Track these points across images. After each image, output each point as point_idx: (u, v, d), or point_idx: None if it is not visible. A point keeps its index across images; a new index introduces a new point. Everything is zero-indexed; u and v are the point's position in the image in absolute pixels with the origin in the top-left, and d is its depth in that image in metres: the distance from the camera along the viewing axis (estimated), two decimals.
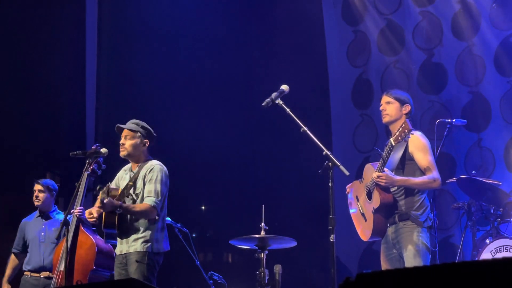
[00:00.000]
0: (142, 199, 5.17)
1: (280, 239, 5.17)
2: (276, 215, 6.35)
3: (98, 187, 5.08)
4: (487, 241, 5.95)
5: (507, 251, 5.79)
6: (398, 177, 4.86)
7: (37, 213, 6.65)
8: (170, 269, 6.59)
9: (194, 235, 8.31)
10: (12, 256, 6.67)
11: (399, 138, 4.57)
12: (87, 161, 5.40)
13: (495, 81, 7.76)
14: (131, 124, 5.38)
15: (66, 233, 5.26)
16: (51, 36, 8.68)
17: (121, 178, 5.43)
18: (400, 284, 1.86)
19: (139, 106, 8.74)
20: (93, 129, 9.19)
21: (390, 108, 5.08)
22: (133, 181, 5.19)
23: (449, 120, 6.03)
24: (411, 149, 4.95)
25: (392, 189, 4.94)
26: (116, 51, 9.35)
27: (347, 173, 4.33)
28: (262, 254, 5.09)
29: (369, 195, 5.00)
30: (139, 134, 5.33)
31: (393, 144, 4.64)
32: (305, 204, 8.24)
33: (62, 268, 5.30)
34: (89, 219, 5.18)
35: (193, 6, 9.09)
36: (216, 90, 9.06)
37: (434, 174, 4.87)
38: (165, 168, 5.32)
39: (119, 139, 5.35)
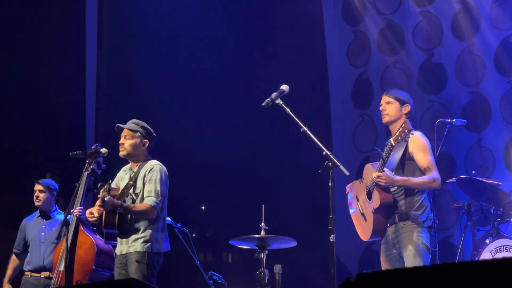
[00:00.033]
0: (142, 199, 5.17)
1: (280, 239, 5.17)
2: (276, 215, 6.35)
3: (99, 185, 5.08)
4: (487, 241, 5.95)
5: (507, 251, 5.79)
6: (398, 177, 4.86)
7: (37, 213, 6.64)
8: (170, 269, 6.59)
9: (194, 235, 8.31)
10: (13, 256, 6.67)
11: (399, 138, 4.57)
12: (87, 161, 5.40)
13: (495, 81, 7.76)
14: (131, 124, 5.38)
15: (66, 233, 5.26)
16: (51, 36, 8.68)
17: (121, 178, 5.43)
18: (400, 284, 1.86)
19: (139, 106, 8.74)
20: (93, 129, 9.19)
21: (390, 108, 5.08)
22: (133, 181, 5.18)
23: (449, 120, 6.02)
24: (411, 149, 4.95)
25: (392, 189, 4.94)
26: (116, 51, 9.35)
27: (347, 173, 4.33)
28: (262, 254, 5.09)
29: (369, 195, 5.00)
30: (139, 134, 5.33)
31: (393, 144, 4.64)
32: (305, 204, 8.24)
33: (62, 268, 5.30)
34: (89, 219, 5.18)
35: (193, 6, 9.09)
36: (216, 90, 9.06)
37: (434, 174, 4.87)
38: (164, 168, 5.32)
39: (119, 139, 5.35)
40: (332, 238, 4.27)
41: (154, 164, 5.28)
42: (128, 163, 5.45)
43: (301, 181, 8.51)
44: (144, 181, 5.20)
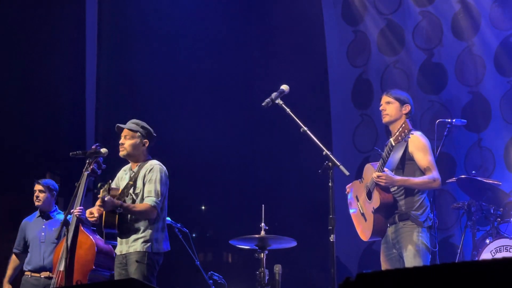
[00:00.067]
0: (142, 199, 5.17)
1: (280, 239, 5.17)
2: (276, 215, 6.35)
3: (99, 185, 5.08)
4: (487, 241, 5.95)
5: (507, 251, 5.79)
6: (398, 177, 4.86)
7: (37, 213, 6.64)
8: (170, 269, 6.59)
9: (194, 235, 8.30)
10: (13, 256, 6.67)
11: (399, 138, 4.57)
12: (87, 161, 5.40)
13: (495, 81, 7.76)
14: (131, 124, 5.38)
15: (66, 233, 5.26)
16: (51, 36, 8.68)
17: (121, 179, 5.43)
18: (400, 284, 1.86)
19: (139, 106, 8.74)
20: (93, 129, 9.19)
21: (390, 108, 5.08)
22: (133, 181, 5.18)
23: (449, 120, 6.02)
24: (411, 149, 4.95)
25: (392, 189, 4.94)
26: (116, 51, 9.35)
27: (347, 173, 4.33)
28: (262, 254, 5.09)
29: (369, 195, 5.00)
30: (139, 134, 5.33)
31: (393, 144, 4.64)
32: (305, 204, 8.24)
33: (62, 268, 5.30)
34: (89, 219, 5.18)
35: (193, 6, 9.09)
36: (216, 90, 9.06)
37: (434, 174, 4.87)
38: (164, 168, 5.32)
39: (119, 139, 5.35)
40: (332, 238, 4.27)
41: (154, 164, 5.28)
42: (128, 163, 5.45)
43: (301, 181, 8.51)
44: (144, 181, 5.20)
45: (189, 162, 8.67)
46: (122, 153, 5.33)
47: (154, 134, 5.42)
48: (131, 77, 9.12)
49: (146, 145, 5.35)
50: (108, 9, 9.43)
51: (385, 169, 4.79)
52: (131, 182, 5.18)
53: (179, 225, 6.41)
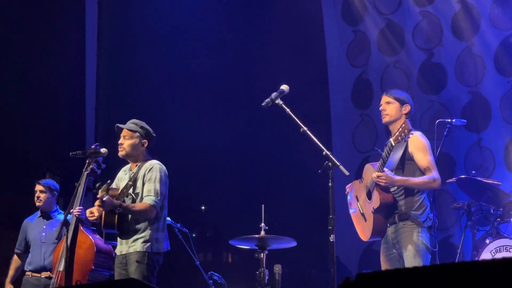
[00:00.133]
0: (142, 199, 5.17)
1: (280, 239, 5.17)
2: (276, 215, 6.35)
3: (97, 185, 5.08)
4: (487, 241, 5.95)
5: (507, 251, 5.79)
6: (398, 177, 4.86)
7: (38, 213, 6.64)
8: (170, 269, 6.59)
9: (194, 235, 8.31)
10: (15, 257, 6.67)
11: (399, 138, 4.57)
12: (87, 161, 5.39)
13: (495, 81, 7.76)
14: (130, 124, 5.38)
15: (65, 233, 5.26)
16: (51, 36, 8.68)
17: (121, 179, 5.43)
18: (400, 284, 1.86)
19: (139, 106, 8.73)
20: (93, 129, 9.19)
21: (390, 108, 5.08)
22: (133, 181, 5.18)
23: (449, 120, 6.02)
24: (411, 149, 4.95)
25: (392, 189, 4.94)
26: (116, 51, 9.35)
27: (347, 173, 4.33)
28: (262, 254, 5.08)
29: (369, 195, 5.00)
30: (138, 134, 5.33)
31: (393, 144, 4.64)
32: (305, 204, 8.23)
33: (61, 268, 5.30)
34: (90, 218, 5.17)
35: (193, 6, 9.09)
36: (216, 90, 9.05)
37: (434, 174, 4.87)
38: (164, 167, 5.32)
39: (119, 139, 5.35)
40: (332, 238, 4.27)
41: (154, 164, 5.28)
42: (128, 163, 5.45)
43: (301, 181, 8.50)
44: (144, 180, 5.20)
45: (189, 162, 8.66)
46: (121, 153, 5.33)
47: (154, 134, 5.42)
48: (131, 77, 9.12)
49: (145, 145, 5.35)
50: (108, 9, 9.43)
51: (385, 169, 4.79)
52: (130, 182, 5.18)
53: (179, 225, 6.41)
